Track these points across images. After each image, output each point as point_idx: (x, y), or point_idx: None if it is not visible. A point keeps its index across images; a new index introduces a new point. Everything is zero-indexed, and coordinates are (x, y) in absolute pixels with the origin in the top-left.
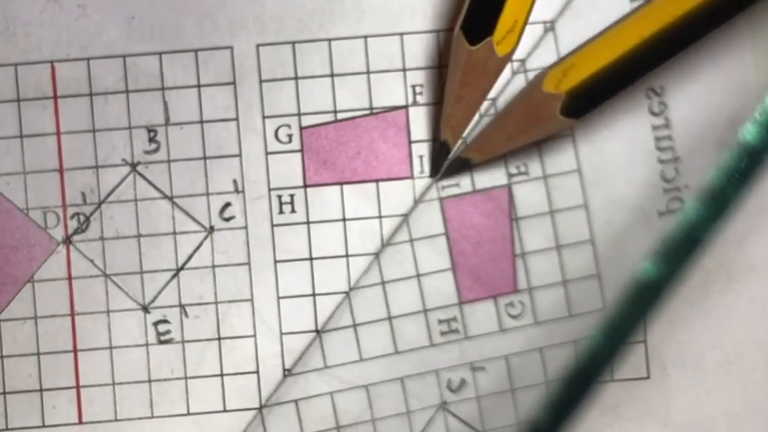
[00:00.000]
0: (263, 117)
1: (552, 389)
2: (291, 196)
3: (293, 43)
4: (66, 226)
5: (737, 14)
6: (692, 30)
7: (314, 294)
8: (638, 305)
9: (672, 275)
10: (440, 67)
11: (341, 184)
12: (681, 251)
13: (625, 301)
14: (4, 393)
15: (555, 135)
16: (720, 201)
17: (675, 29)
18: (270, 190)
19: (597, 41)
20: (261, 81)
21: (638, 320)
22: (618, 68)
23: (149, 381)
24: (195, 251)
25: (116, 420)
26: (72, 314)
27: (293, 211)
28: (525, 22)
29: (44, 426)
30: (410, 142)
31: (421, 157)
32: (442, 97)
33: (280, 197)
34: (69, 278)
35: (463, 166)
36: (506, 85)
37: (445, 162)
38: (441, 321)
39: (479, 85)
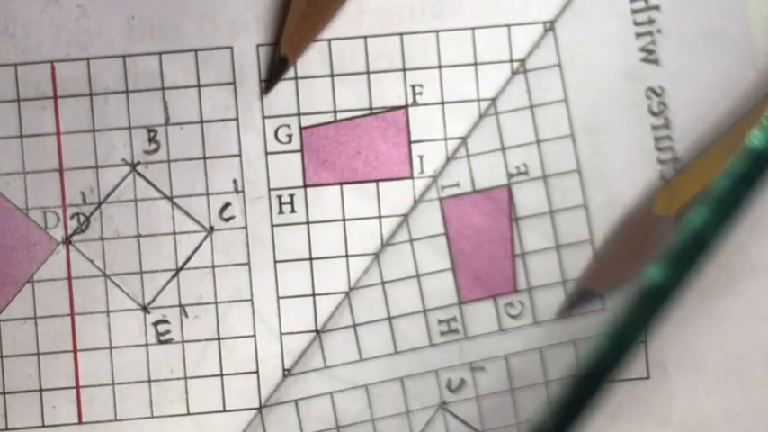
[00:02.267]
0: (263, 117)
1: (558, 394)
2: (291, 196)
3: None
4: (66, 226)
5: None
6: None
7: (314, 294)
8: (644, 310)
9: (678, 281)
10: (440, 68)
11: (341, 184)
12: (687, 256)
13: (631, 307)
14: (4, 393)
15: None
16: (727, 206)
17: None
18: (270, 190)
19: (701, 158)
20: (261, 81)
21: (643, 326)
22: None
23: (149, 381)
24: (195, 251)
25: (116, 420)
26: (72, 314)
27: (293, 211)
28: None
29: (44, 426)
30: (410, 142)
31: (421, 156)
32: (443, 96)
33: (280, 197)
34: (69, 278)
35: (587, 296)
36: (506, 85)
37: None
38: (440, 321)
39: (327, 3)
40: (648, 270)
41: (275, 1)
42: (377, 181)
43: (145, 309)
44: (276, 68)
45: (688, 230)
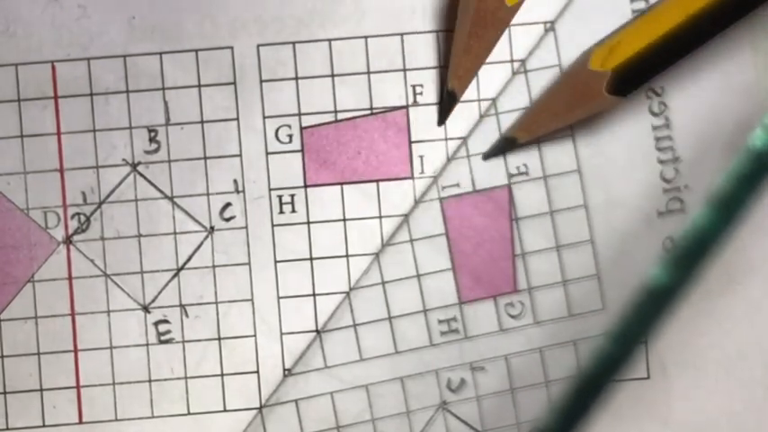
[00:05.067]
0: (264, 117)
1: (562, 396)
2: (292, 196)
3: (293, 43)
4: (66, 226)
5: None
6: (738, 3)
7: (314, 294)
8: (648, 312)
9: (682, 282)
10: (440, 68)
11: (341, 184)
12: (691, 257)
13: (635, 308)
14: (5, 393)
15: (601, 113)
16: (730, 207)
17: (720, 4)
18: (270, 190)
19: (643, 18)
20: (261, 81)
21: (647, 327)
22: (664, 45)
23: (149, 381)
24: (195, 251)
25: (116, 420)
26: (72, 314)
27: (293, 211)
28: None
29: (44, 426)
30: (410, 142)
31: (421, 157)
32: (441, 96)
33: (280, 197)
34: (69, 278)
35: (509, 145)
36: (506, 85)
37: (496, 144)
38: (441, 321)
39: (488, 35)
40: (653, 271)
41: (276, 1)
42: (377, 181)
43: (145, 309)
44: (446, 103)
45: (692, 232)
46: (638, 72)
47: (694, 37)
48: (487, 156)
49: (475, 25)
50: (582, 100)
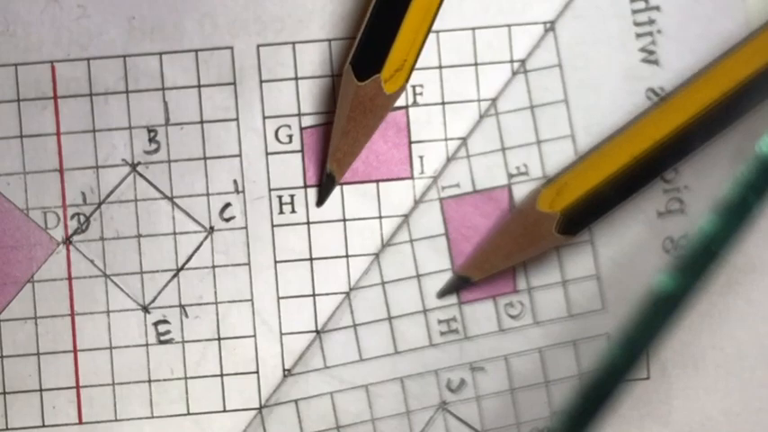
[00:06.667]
0: (264, 117)
1: (568, 401)
2: (291, 196)
3: (293, 43)
4: (66, 226)
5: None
6: (683, 145)
7: (314, 294)
8: (655, 318)
9: (688, 288)
10: (440, 68)
11: (341, 184)
12: (697, 264)
13: (641, 314)
14: (4, 393)
15: (550, 249)
16: (737, 213)
17: (666, 146)
18: (270, 190)
19: (588, 159)
20: (261, 81)
21: (654, 333)
22: (611, 185)
23: (149, 381)
24: (195, 251)
25: (116, 420)
26: (72, 314)
27: (293, 211)
28: (414, 62)
29: (44, 426)
30: (410, 142)
31: (421, 157)
32: (443, 96)
33: (280, 197)
34: (69, 278)
35: (463, 284)
36: (507, 86)
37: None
38: (440, 321)
39: (366, 121)
40: (659, 278)
41: (276, 1)
42: (377, 181)
43: (145, 309)
44: (325, 186)
45: (699, 238)
46: (586, 213)
47: (641, 177)
48: (442, 294)
49: (353, 110)
50: (532, 240)
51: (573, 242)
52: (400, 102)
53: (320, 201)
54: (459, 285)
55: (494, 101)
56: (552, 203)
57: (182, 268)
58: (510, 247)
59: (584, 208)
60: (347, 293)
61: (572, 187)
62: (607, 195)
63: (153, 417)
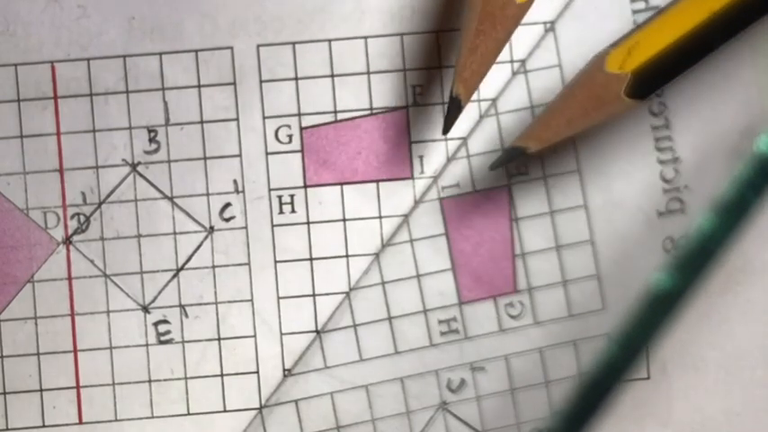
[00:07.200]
0: (264, 117)
1: (566, 401)
2: (291, 196)
3: (293, 43)
4: (66, 226)
5: None
6: (761, 2)
7: (314, 294)
8: (653, 317)
9: (686, 287)
10: (440, 68)
11: (341, 184)
12: (695, 262)
13: (639, 313)
14: (4, 393)
15: (617, 117)
16: (735, 212)
17: (743, 3)
18: (270, 190)
19: (663, 17)
20: (261, 81)
21: (652, 332)
22: (685, 45)
23: (149, 381)
24: (195, 251)
25: (116, 420)
26: (72, 314)
27: (293, 211)
28: None
29: (44, 426)
30: (410, 142)
31: (421, 157)
32: (443, 96)
33: (280, 197)
34: (69, 278)
35: (518, 155)
36: (507, 86)
37: (506, 155)
38: (441, 321)
39: (495, 34)
40: (657, 276)
41: (276, 1)
42: (377, 181)
43: (145, 309)
44: (451, 110)
45: (697, 237)
46: (659, 74)
47: (718, 35)
48: (494, 166)
49: (482, 23)
50: (597, 104)
51: (640, 106)
52: (400, 102)
53: (446, 129)
54: (514, 156)
55: (494, 101)
56: (623, 64)
57: (182, 268)
58: (572, 113)
59: (656, 69)
60: (347, 293)
61: (644, 47)
62: (681, 55)
63: (153, 417)
